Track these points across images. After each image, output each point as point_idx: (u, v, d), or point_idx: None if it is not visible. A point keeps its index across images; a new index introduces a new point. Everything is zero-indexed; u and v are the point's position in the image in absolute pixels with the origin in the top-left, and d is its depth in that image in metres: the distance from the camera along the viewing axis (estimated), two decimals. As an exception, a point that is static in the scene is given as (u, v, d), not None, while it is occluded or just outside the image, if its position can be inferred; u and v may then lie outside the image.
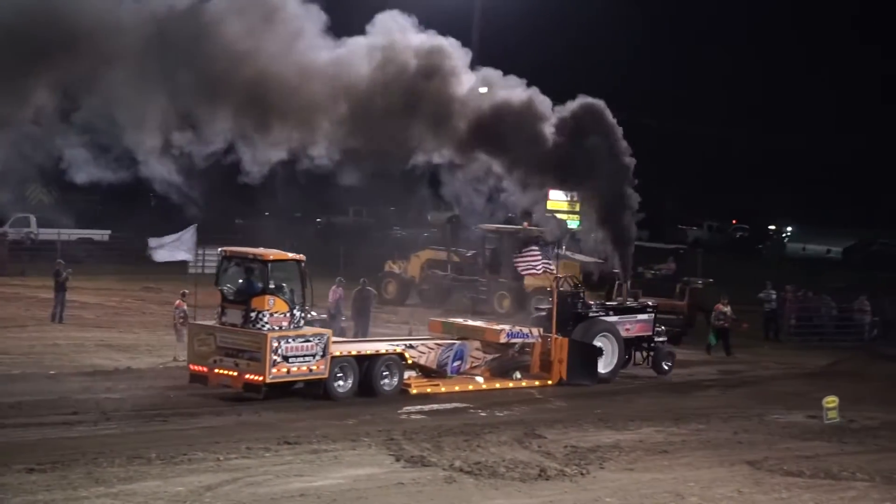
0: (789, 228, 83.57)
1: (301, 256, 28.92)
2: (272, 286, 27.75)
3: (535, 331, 32.51)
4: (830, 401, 28.65)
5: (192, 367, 28.36)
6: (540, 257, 33.99)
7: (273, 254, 28.27)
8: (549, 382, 32.00)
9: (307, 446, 23.45)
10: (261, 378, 27.15)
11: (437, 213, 65.56)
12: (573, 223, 67.52)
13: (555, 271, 33.84)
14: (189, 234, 33.61)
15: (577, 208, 68.60)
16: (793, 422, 28.84)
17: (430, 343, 31.37)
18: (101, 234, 60.39)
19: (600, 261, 44.37)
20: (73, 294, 40.86)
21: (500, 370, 32.08)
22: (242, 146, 32.34)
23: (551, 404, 29.65)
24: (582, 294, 34.60)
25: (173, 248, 35.16)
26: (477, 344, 31.98)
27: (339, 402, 28.00)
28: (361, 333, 35.66)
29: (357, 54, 32.72)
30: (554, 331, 32.50)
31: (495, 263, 46.13)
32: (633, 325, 34.77)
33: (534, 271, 34.21)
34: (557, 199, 69.28)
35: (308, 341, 27.82)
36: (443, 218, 48.88)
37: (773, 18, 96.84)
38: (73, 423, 24.37)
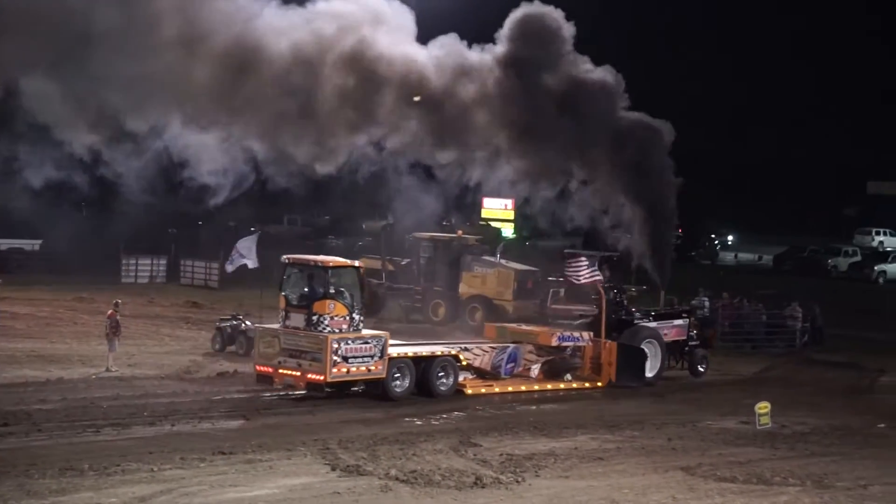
0: (731, 237, 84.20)
1: (359, 263, 31.57)
2: (332, 291, 29.59)
3: (585, 334, 34.26)
4: (762, 406, 28.93)
5: (258, 367, 30.11)
6: (588, 267, 35.32)
7: (333, 261, 30.83)
8: (599, 384, 33.92)
9: (242, 456, 23.34)
10: (322, 377, 28.98)
11: (372, 222, 65.63)
12: (508, 231, 67.94)
13: (602, 280, 35.42)
14: (250, 242, 36.56)
15: (512, 216, 69.19)
16: (726, 428, 29.08)
17: (485, 346, 33.30)
18: (31, 244, 59.69)
19: (535, 269, 44.68)
20: (4, 304, 40.45)
21: (552, 372, 33.73)
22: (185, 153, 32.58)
23: (486, 412, 29.69)
24: (625, 301, 36.22)
25: (240, 257, 38.27)
26: (530, 347, 33.81)
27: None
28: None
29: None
30: (603, 335, 34.36)
31: (430, 272, 46.14)
32: (671, 329, 36.49)
33: (586, 280, 35.35)
34: (492, 208, 69.77)
35: (366, 343, 29.63)
36: (377, 226, 48.86)
37: (698, 24, 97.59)
38: (5, 435, 24.10)
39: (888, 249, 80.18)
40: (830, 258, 73.68)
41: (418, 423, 27.78)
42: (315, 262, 30.70)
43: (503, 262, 44.30)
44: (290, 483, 21.74)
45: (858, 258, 73.91)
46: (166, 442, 24.21)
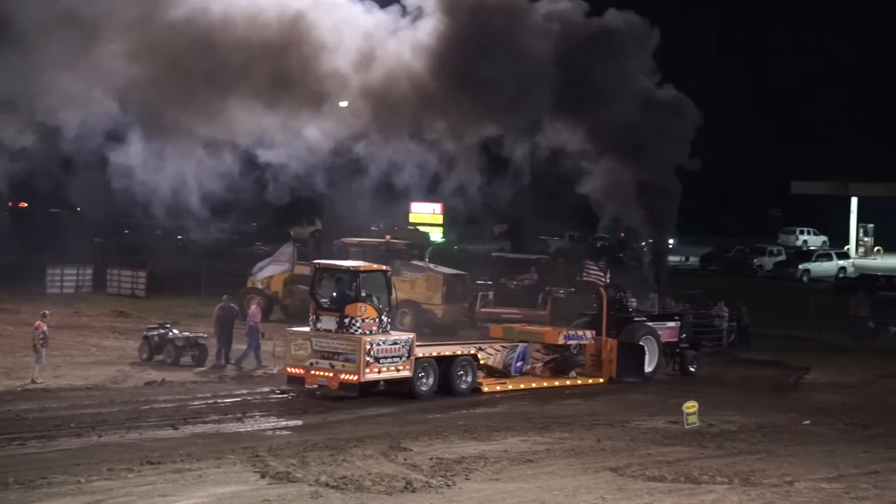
0: (672, 241, 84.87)
1: (386, 267, 33.03)
2: (363, 294, 30.69)
3: (588, 333, 35.60)
4: (690, 406, 29.18)
5: (288, 369, 31.44)
6: (601, 269, 36.62)
7: (363, 265, 32.35)
8: (601, 380, 35.32)
9: (170, 465, 23.19)
10: (356, 378, 30.27)
11: (300, 228, 65.44)
12: (436, 236, 68.02)
13: (608, 281, 36.58)
14: (287, 248, 38.65)
15: (441, 221, 69.31)
16: (654, 427, 29.27)
17: (497, 346, 34.63)
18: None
19: (463, 273, 44.77)
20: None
21: (557, 370, 35.06)
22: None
23: (416, 416, 29.69)
24: (625, 300, 37.42)
25: (276, 263, 41.16)
26: (537, 346, 35.10)
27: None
28: (224, 351, 35.37)
29: None
30: (605, 333, 35.76)
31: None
32: (664, 331, 37.70)
33: (600, 281, 36.42)
34: (420, 212, 69.84)
35: (396, 343, 31.08)
36: (306, 232, 48.69)
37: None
38: (-72, 450, 23.81)
39: (812, 248, 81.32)
40: (756, 258, 74.51)
41: (348, 428, 27.72)
42: (346, 266, 32.18)
43: (432, 266, 44.33)
44: (219, 492, 21.64)
45: (783, 257, 74.82)
46: (93, 453, 23.99)
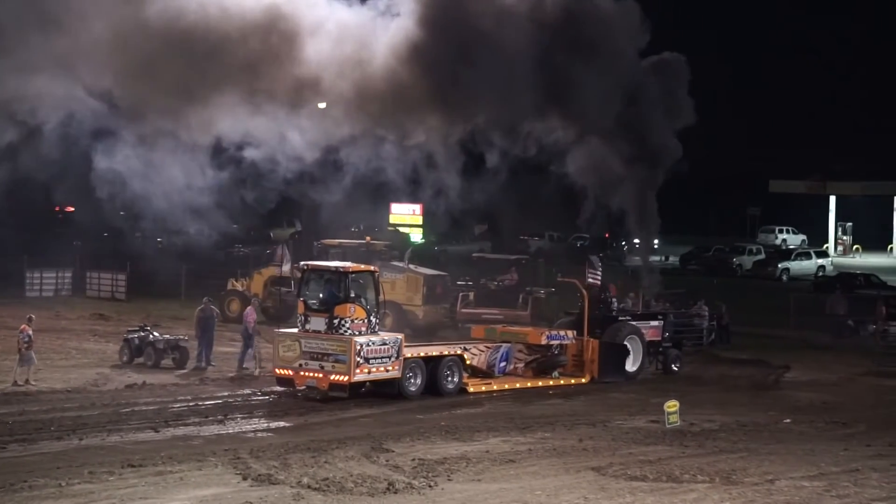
0: (636, 240, 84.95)
1: (375, 267, 33.17)
2: (352, 295, 30.82)
3: (570, 333, 35.70)
4: (671, 405, 29.24)
5: (277, 371, 31.48)
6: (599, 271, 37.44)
7: (352, 266, 32.28)
8: (583, 380, 35.32)
9: (152, 468, 23.14)
10: (347, 378, 30.36)
11: (280, 230, 65.35)
12: (416, 236, 68.03)
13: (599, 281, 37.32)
14: (280, 249, 40.54)
15: (421, 221, 69.29)
16: (636, 427, 29.33)
17: (481, 346, 34.67)
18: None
19: (443, 274, 44.78)
20: None
21: (539, 370, 35.21)
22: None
23: (398, 417, 29.68)
24: (610, 300, 37.84)
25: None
26: (520, 346, 35.20)
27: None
28: (205, 353, 35.33)
29: None
30: (586, 333, 35.84)
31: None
32: (647, 330, 37.72)
33: (597, 281, 37.08)
34: (400, 213, 69.82)
35: (385, 344, 31.17)
36: (286, 234, 48.64)
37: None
38: None
39: (791, 247, 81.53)
40: (735, 257, 74.68)
41: (330, 430, 27.69)
42: (335, 267, 32.17)
43: (412, 267, 44.32)
44: (201, 494, 21.61)
45: (762, 256, 74.99)
46: (74, 456, 23.94)
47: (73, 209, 64.14)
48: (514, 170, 42.62)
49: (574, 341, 35.77)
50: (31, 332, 31.83)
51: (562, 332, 35.84)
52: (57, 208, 65.68)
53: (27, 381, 31.23)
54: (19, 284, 50.81)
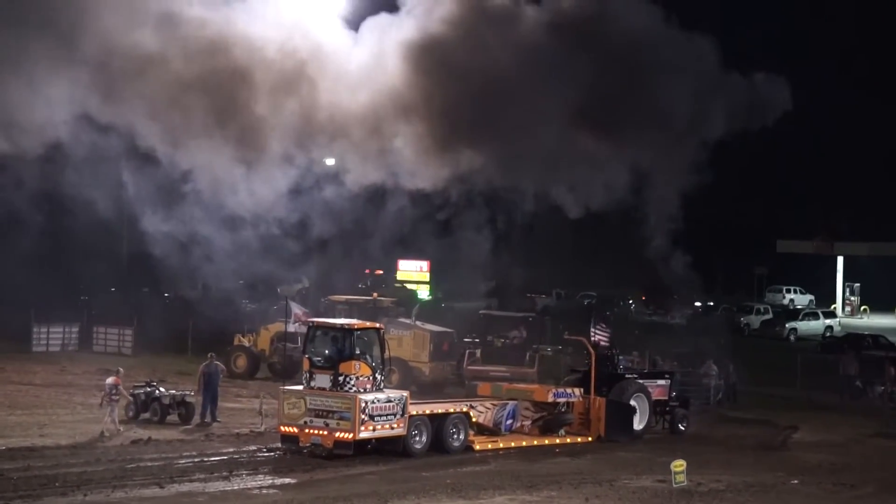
0: (643, 297, 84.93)
1: (380, 324, 33.31)
2: (358, 352, 30.88)
3: (576, 391, 35.65)
4: (678, 465, 29.11)
5: (281, 428, 31.29)
6: (606, 330, 37.52)
7: (357, 323, 32.49)
8: (590, 439, 35.30)
9: (156, 525, 23.05)
10: (351, 436, 30.18)
11: (287, 286, 65.32)
12: (423, 293, 68.03)
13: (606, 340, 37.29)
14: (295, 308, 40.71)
15: (428, 278, 69.36)
16: (642, 486, 29.19)
17: (487, 403, 34.56)
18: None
19: (450, 331, 44.74)
20: None
21: (546, 428, 35.18)
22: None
23: (404, 475, 29.56)
24: (617, 357, 37.77)
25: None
26: (527, 404, 35.18)
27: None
28: (211, 408, 35.26)
29: None
30: (593, 392, 35.77)
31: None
32: (654, 388, 37.72)
33: (606, 342, 37.11)
34: (408, 270, 69.91)
35: (390, 401, 31.02)
36: (293, 290, 48.56)
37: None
38: None
39: (798, 307, 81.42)
40: (743, 316, 74.56)
41: (335, 487, 27.57)
42: (340, 324, 32.27)
43: (419, 324, 44.28)
44: (205, 551, 21.50)
45: (770, 316, 74.89)
46: (78, 512, 23.85)
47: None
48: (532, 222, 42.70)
49: (580, 399, 35.73)
50: (120, 385, 33.07)
51: (568, 390, 35.82)
52: None
53: (110, 433, 32.14)
54: (26, 339, 50.77)
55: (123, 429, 32.82)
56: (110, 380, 33.32)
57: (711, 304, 76.75)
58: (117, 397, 33.01)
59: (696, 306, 73.30)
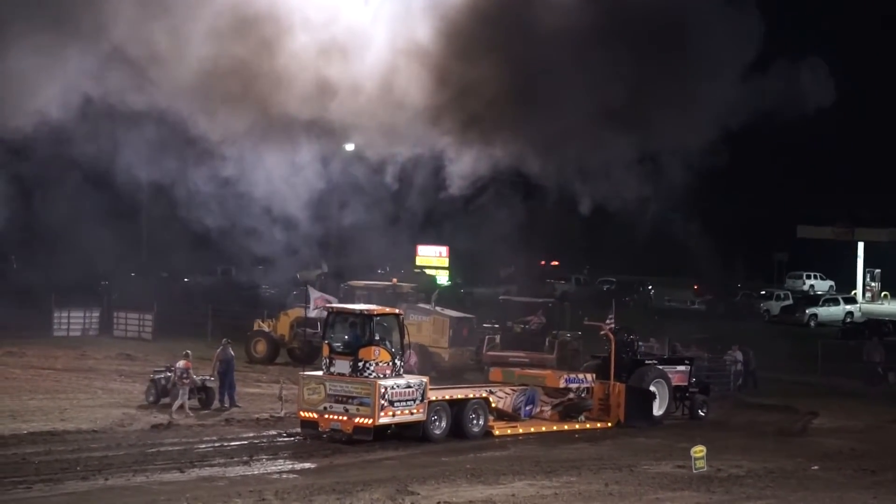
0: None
1: (399, 310, 33.35)
2: (377, 338, 30.87)
3: (589, 376, 35.81)
4: (698, 450, 29.07)
5: (301, 413, 31.26)
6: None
7: (376, 309, 32.45)
8: (609, 425, 35.26)
9: (176, 510, 23.12)
10: (371, 422, 30.23)
11: (306, 271, 65.47)
12: (443, 279, 68.04)
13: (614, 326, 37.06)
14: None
15: (447, 264, 69.35)
16: (662, 472, 29.16)
17: (507, 389, 34.68)
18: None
19: (470, 316, 44.74)
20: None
21: (566, 413, 35.11)
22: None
23: (423, 460, 29.58)
24: (636, 344, 37.76)
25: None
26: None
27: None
28: (229, 394, 35.34)
29: None
30: (612, 377, 35.74)
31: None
32: (674, 374, 37.63)
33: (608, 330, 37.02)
34: (427, 255, 69.88)
35: (409, 387, 31.04)
36: (312, 275, 48.67)
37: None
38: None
39: (819, 293, 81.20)
40: (763, 302, 74.40)
41: (355, 471, 27.62)
42: (359, 310, 32.19)
43: (438, 309, 44.30)
44: (226, 535, 21.56)
45: (790, 302, 74.72)
46: (100, 497, 23.96)
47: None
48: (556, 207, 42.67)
49: (593, 384, 35.72)
50: (190, 368, 33.44)
51: (581, 375, 35.80)
52: None
53: (179, 416, 32.59)
54: (46, 324, 50.95)
55: (193, 415, 33.02)
56: (181, 363, 33.60)
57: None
58: (188, 380, 33.31)
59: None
